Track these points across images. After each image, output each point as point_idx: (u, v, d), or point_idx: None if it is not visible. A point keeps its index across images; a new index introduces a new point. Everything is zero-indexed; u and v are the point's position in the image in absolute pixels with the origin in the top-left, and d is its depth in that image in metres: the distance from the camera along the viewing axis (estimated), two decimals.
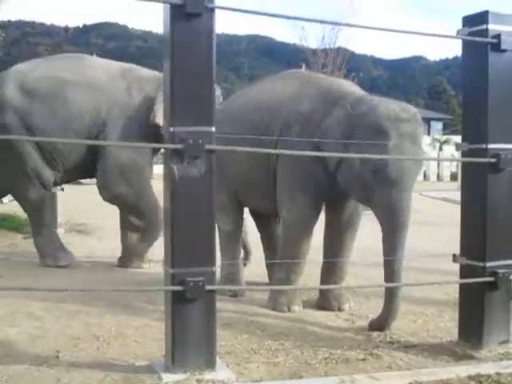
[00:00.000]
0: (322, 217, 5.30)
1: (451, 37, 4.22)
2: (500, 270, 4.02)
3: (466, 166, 4.34)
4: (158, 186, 5.19)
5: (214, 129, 3.41)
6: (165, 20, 3.43)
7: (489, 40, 3.97)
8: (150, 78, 7.24)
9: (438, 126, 51.48)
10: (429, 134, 41.06)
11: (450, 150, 26.49)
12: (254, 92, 5.91)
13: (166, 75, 3.51)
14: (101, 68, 7.28)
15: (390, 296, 4.48)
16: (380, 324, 4.59)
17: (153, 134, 6.64)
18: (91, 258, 7.53)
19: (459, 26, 4.13)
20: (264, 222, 6.20)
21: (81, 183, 10.95)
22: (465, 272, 4.18)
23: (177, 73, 3.39)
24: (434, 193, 17.27)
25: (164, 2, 3.38)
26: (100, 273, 6.72)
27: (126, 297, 5.36)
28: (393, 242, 4.47)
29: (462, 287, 4.25)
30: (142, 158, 7.04)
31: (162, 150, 5.80)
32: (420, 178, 23.99)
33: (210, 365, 3.50)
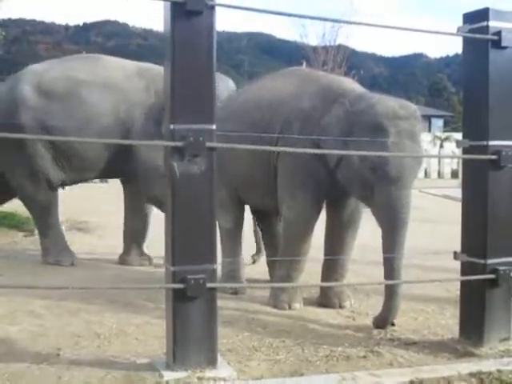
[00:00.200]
0: (323, 215, 5.30)
1: (452, 34, 4.21)
2: (501, 267, 4.02)
3: (466, 163, 4.35)
4: None
5: (214, 126, 3.41)
6: (165, 18, 3.42)
7: (489, 37, 3.96)
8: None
9: (438, 124, 51.47)
10: (429, 131, 41.06)
11: (451, 147, 26.48)
12: (255, 89, 5.91)
13: (166, 73, 3.51)
14: (117, 68, 7.26)
15: (390, 294, 4.48)
16: (381, 321, 4.59)
17: None
18: (92, 256, 7.53)
19: (459, 23, 4.13)
20: (265, 219, 6.21)
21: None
22: (466, 269, 4.18)
23: (177, 70, 3.38)
24: (434, 190, 17.24)
25: (164, 0, 3.38)
26: (101, 271, 6.72)
27: (126, 295, 5.36)
28: (392, 240, 4.47)
29: (463, 284, 4.25)
30: None
31: None
32: (421, 175, 24.00)
33: (211, 362, 3.50)
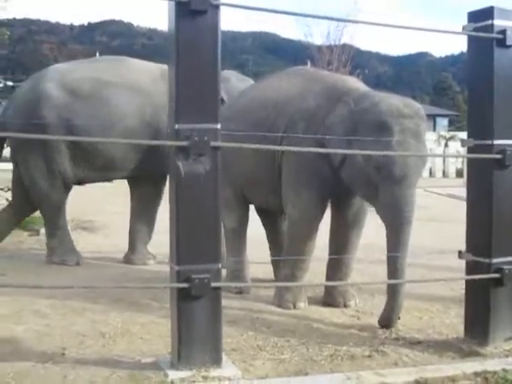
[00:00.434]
0: (328, 214, 5.30)
1: (456, 33, 4.21)
2: (506, 267, 4.02)
3: (471, 163, 4.34)
4: None
5: (219, 126, 3.41)
6: (170, 17, 3.43)
7: (494, 35, 3.96)
8: None
9: (443, 123, 51.46)
10: (434, 130, 41.03)
11: (456, 147, 26.49)
12: (260, 89, 5.92)
13: (171, 72, 3.51)
14: (142, 70, 7.26)
15: (393, 292, 4.48)
16: (385, 321, 4.59)
17: None
18: (97, 255, 7.54)
19: (460, 23, 4.13)
20: (269, 218, 6.21)
21: None
22: (470, 268, 4.18)
23: (182, 70, 3.39)
24: (439, 189, 17.24)
25: (169, 0, 3.38)
26: (106, 270, 6.73)
27: (131, 294, 5.36)
28: (397, 239, 4.47)
29: (468, 284, 4.25)
30: None
31: None
32: (426, 174, 24.04)
33: (216, 362, 3.50)
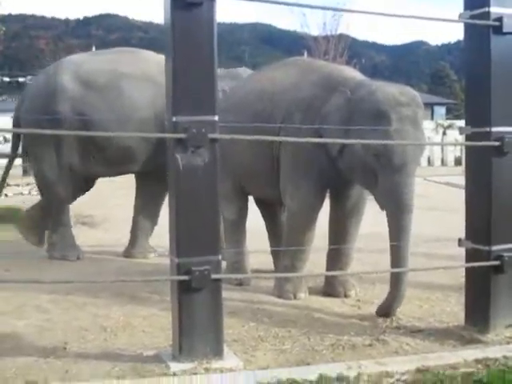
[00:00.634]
0: (327, 204, 5.30)
1: (453, 20, 4.21)
2: (506, 254, 4.03)
3: (469, 150, 4.35)
4: None
5: (216, 118, 3.41)
6: (165, 10, 3.42)
7: (491, 23, 3.96)
8: None
9: (441, 111, 51.37)
10: (432, 118, 40.97)
11: (454, 135, 26.40)
12: (256, 80, 5.91)
13: (167, 65, 3.51)
14: (154, 62, 7.23)
15: (396, 281, 4.48)
16: (386, 309, 4.60)
17: None
18: (97, 250, 7.54)
19: (458, 11, 4.13)
20: (269, 209, 6.21)
21: None
22: (470, 256, 4.19)
23: (178, 62, 3.39)
24: (438, 178, 17.22)
25: None
26: (106, 264, 6.73)
27: (132, 287, 5.37)
28: (398, 227, 4.47)
29: (468, 271, 4.26)
30: None
31: None
32: (424, 163, 24.02)
33: (218, 353, 3.51)
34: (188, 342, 3.48)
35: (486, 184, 4.07)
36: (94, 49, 40.89)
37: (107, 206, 7.98)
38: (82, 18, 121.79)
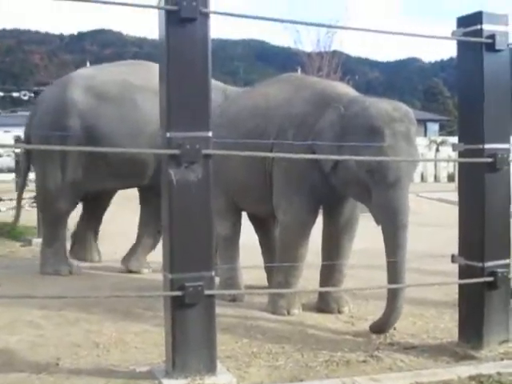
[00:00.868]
0: (320, 220, 5.31)
1: (446, 38, 4.23)
2: (499, 270, 4.03)
3: (462, 167, 4.36)
4: None
5: (210, 134, 3.42)
6: (160, 26, 3.44)
7: (483, 40, 3.98)
8: (213, 86, 7.16)
9: (434, 128, 51.61)
10: (425, 135, 41.15)
11: (447, 151, 26.49)
12: (250, 97, 5.93)
13: (161, 80, 3.51)
14: None
15: (393, 297, 4.48)
16: (382, 326, 4.59)
17: None
18: (91, 265, 7.53)
19: (452, 28, 4.15)
20: (262, 225, 6.21)
21: None
22: (464, 272, 4.18)
23: (172, 78, 3.39)
24: (431, 194, 17.27)
25: (158, 8, 3.39)
26: (99, 279, 6.71)
27: (125, 303, 5.35)
28: (394, 243, 4.47)
29: (462, 288, 4.25)
30: None
31: None
32: (417, 179, 24.09)
33: (211, 369, 3.50)
34: (181, 358, 3.47)
35: (478, 200, 4.08)
36: (88, 64, 41.05)
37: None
38: (76, 33, 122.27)
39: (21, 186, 7.77)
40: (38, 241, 8.64)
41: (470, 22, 4.06)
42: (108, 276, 6.97)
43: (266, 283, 6.01)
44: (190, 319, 3.45)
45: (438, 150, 29.75)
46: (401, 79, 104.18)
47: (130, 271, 7.10)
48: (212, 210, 3.52)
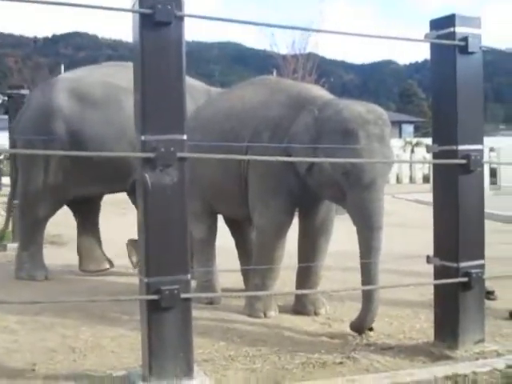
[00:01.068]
0: (296, 222, 5.32)
1: (419, 40, 4.26)
2: (473, 270, 4.06)
3: (437, 168, 4.38)
4: None
5: (185, 137, 3.41)
6: (134, 29, 3.42)
7: (456, 43, 4.01)
8: (198, 87, 7.15)
9: (409, 129, 51.99)
10: (400, 136, 41.42)
11: (422, 153, 26.65)
12: (224, 99, 5.93)
13: (136, 84, 3.50)
14: None
15: (367, 298, 4.50)
16: (357, 327, 4.61)
17: None
18: (66, 269, 7.48)
19: (425, 31, 4.18)
20: (238, 228, 6.21)
21: None
22: (439, 273, 4.21)
23: (147, 81, 3.38)
24: (406, 195, 17.39)
25: (133, 12, 3.38)
26: (75, 284, 6.68)
27: (101, 307, 5.33)
28: (368, 245, 4.49)
29: (437, 288, 4.28)
30: None
31: None
32: (393, 180, 24.22)
33: (188, 373, 3.48)
34: (158, 362, 3.45)
35: (453, 201, 4.11)
36: (62, 67, 40.71)
37: (74, 224, 7.92)
38: (50, 36, 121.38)
39: (11, 192, 7.69)
40: (13, 246, 8.58)
41: (443, 24, 4.09)
42: (84, 280, 6.94)
43: (242, 286, 6.01)
44: (166, 323, 3.43)
45: (413, 151, 29.92)
46: (376, 81, 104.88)
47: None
48: (187, 214, 3.51)
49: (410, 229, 10.35)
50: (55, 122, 6.80)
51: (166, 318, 3.41)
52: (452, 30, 4.02)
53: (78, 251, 7.48)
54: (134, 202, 7.34)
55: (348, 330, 4.67)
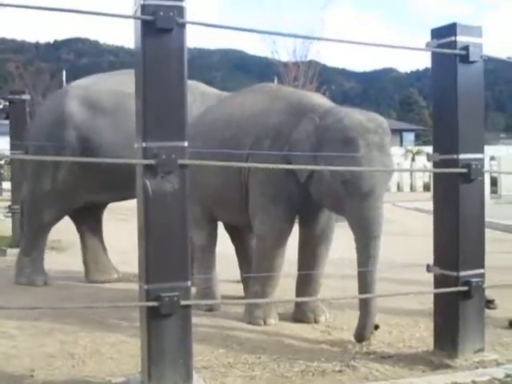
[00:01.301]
0: (296, 230, 5.31)
1: (420, 49, 4.26)
2: (473, 279, 4.05)
3: (437, 177, 4.38)
4: None
5: (186, 144, 3.41)
6: (136, 36, 3.43)
7: (457, 52, 4.01)
8: (211, 94, 7.18)
9: (410, 137, 52.04)
10: (401, 145, 41.45)
11: (423, 161, 26.69)
12: (225, 107, 5.93)
13: (137, 90, 3.50)
14: None
15: (365, 307, 4.50)
16: (359, 335, 4.60)
17: None
18: (65, 275, 7.47)
19: (426, 39, 4.19)
20: (238, 235, 6.21)
21: None
22: (439, 282, 4.21)
23: (148, 88, 3.38)
24: (407, 203, 17.38)
25: (134, 18, 3.39)
26: (75, 290, 6.67)
27: (100, 313, 5.32)
28: (366, 253, 4.49)
29: (437, 297, 4.27)
30: None
31: None
32: (393, 188, 24.23)
33: (187, 380, 3.47)
34: (157, 368, 3.45)
35: (453, 210, 4.11)
36: (64, 73, 40.68)
37: (74, 230, 7.91)
38: (52, 41, 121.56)
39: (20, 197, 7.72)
40: (12, 251, 8.58)
41: (444, 33, 4.10)
42: (83, 286, 6.93)
43: (242, 293, 6.01)
44: (165, 330, 3.43)
45: (413, 159, 29.97)
46: (377, 89, 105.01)
47: None
48: (188, 220, 3.51)
49: (410, 237, 10.35)
50: (66, 129, 6.84)
51: (165, 325, 3.41)
52: (453, 39, 4.03)
53: (84, 261, 7.45)
54: None
55: (348, 338, 4.67)
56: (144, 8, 3.28)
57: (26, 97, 10.04)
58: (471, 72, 4.10)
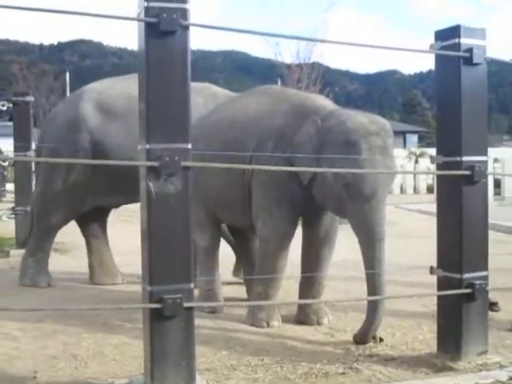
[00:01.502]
0: (299, 231, 5.31)
1: (424, 51, 4.26)
2: (477, 282, 4.05)
3: (441, 179, 4.37)
4: None
5: (189, 145, 3.41)
6: (139, 38, 3.43)
7: (461, 54, 4.01)
8: (223, 95, 7.19)
9: (413, 139, 52.01)
10: (404, 146, 41.42)
11: (426, 163, 26.71)
12: (228, 108, 5.93)
13: (141, 92, 3.51)
14: None
15: (372, 309, 4.49)
16: (361, 337, 4.59)
17: None
18: (68, 277, 7.48)
19: (430, 41, 4.18)
20: (241, 237, 6.21)
21: None
22: (442, 284, 4.20)
23: (152, 90, 3.39)
24: (410, 205, 17.37)
25: (138, 20, 3.39)
26: (77, 291, 6.67)
27: (103, 315, 5.32)
28: (371, 256, 4.49)
29: (440, 299, 4.27)
30: None
31: None
32: (397, 190, 24.22)
33: (190, 382, 3.47)
34: (160, 370, 3.44)
35: (456, 213, 4.10)
36: (67, 75, 40.67)
37: (77, 232, 7.93)
38: (55, 43, 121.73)
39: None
40: (15, 252, 8.59)
41: (447, 35, 4.09)
42: (86, 288, 6.93)
43: (245, 295, 6.00)
44: (168, 331, 3.43)
45: (417, 161, 29.97)
46: (380, 91, 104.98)
47: None
48: (191, 222, 3.51)
49: (413, 239, 10.34)
50: (80, 132, 6.88)
51: (168, 327, 3.41)
52: (457, 41, 4.02)
53: (89, 264, 7.45)
54: None
55: (351, 340, 4.66)
56: (148, 10, 3.28)
57: (30, 98, 10.05)
58: (475, 74, 4.09)
